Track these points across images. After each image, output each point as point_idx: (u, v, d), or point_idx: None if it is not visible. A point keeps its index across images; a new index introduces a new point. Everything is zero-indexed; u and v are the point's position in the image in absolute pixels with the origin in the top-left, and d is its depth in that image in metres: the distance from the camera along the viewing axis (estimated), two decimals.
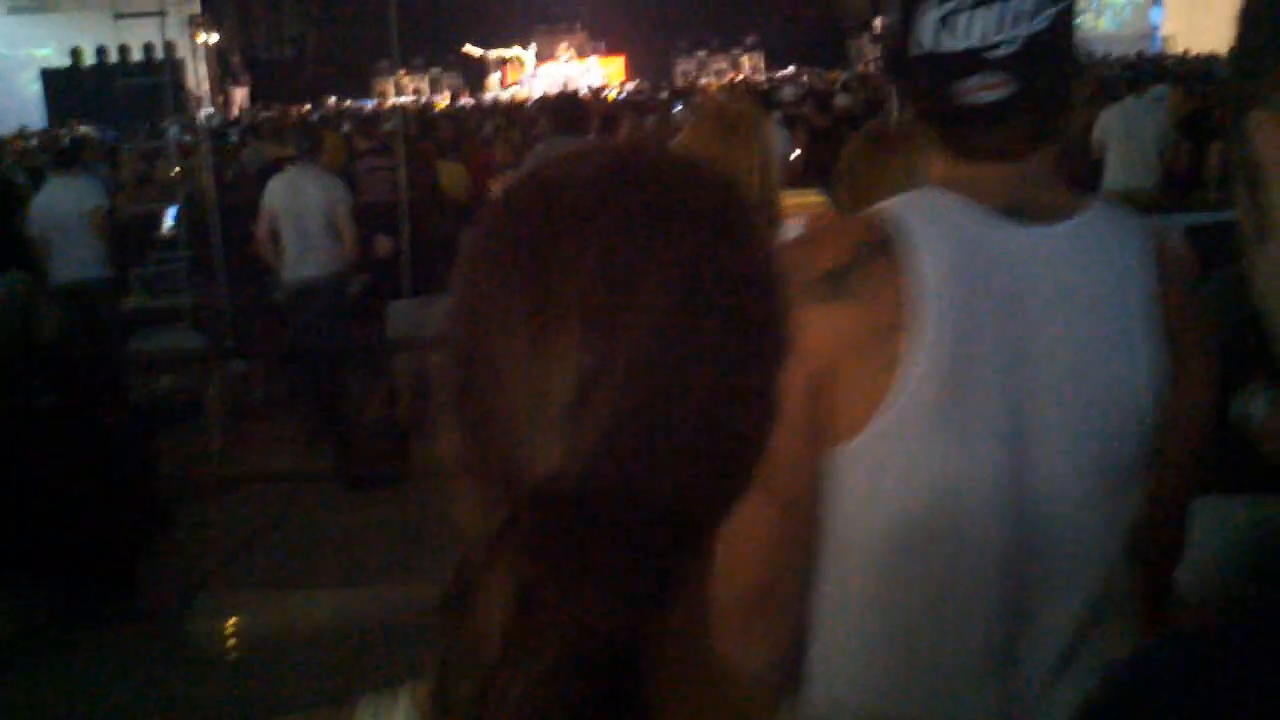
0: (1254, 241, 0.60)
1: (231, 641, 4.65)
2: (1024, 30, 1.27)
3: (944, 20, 1.29)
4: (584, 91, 19.14)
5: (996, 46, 1.27)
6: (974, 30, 1.28)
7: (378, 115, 13.88)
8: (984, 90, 1.29)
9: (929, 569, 1.35)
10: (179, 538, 5.57)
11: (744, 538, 1.26)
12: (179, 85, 17.00)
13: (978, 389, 1.29)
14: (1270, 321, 0.61)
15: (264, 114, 19.04)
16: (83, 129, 15.83)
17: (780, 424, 0.74)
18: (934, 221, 1.32)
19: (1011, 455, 1.31)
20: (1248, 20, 0.60)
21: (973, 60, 1.29)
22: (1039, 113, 1.32)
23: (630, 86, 21.37)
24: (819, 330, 1.27)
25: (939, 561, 1.35)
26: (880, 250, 1.31)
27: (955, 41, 1.29)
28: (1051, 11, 1.28)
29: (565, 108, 6.31)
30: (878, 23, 21.97)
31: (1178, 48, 20.09)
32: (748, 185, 2.48)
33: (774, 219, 2.55)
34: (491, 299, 0.71)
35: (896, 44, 1.37)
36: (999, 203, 1.33)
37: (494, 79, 23.51)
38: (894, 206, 1.35)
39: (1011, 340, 1.30)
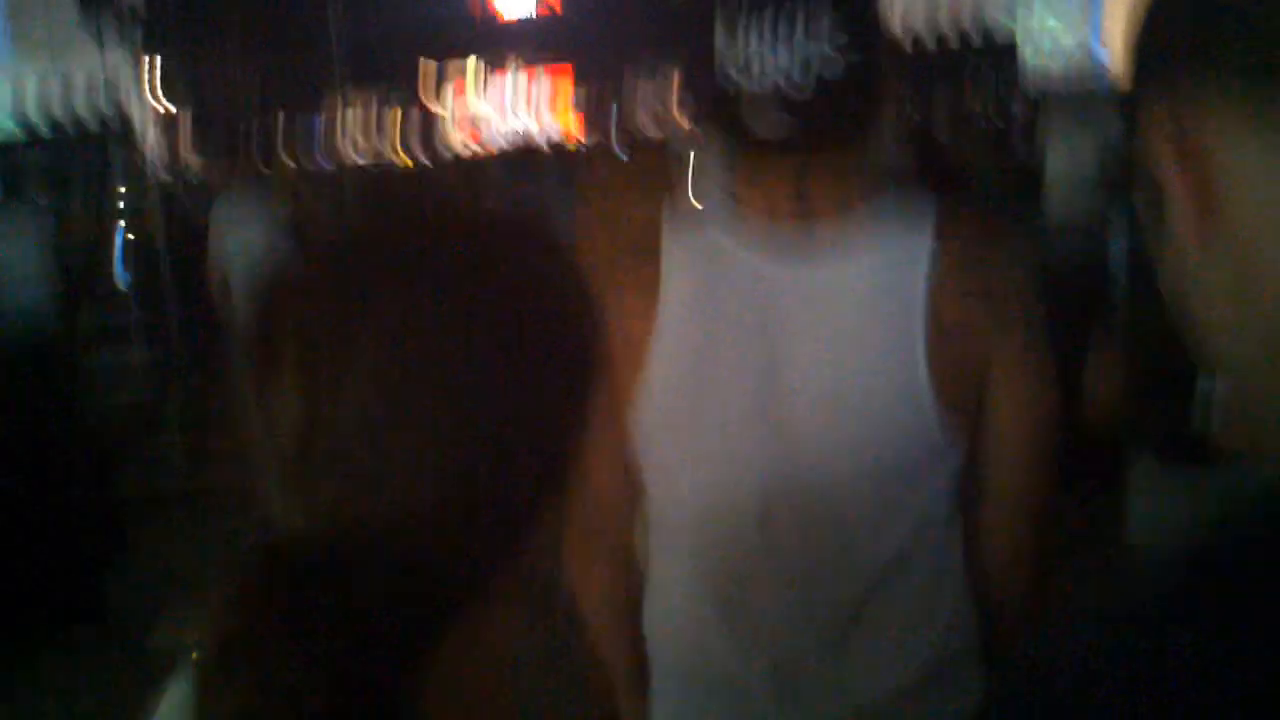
0: (1153, 236, 0.63)
1: (196, 654, 4.56)
2: (813, 73, 1.30)
3: (742, 58, 1.32)
4: (542, 141, 19.03)
5: (786, 87, 1.30)
6: (766, 70, 1.31)
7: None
8: (771, 128, 1.32)
9: (701, 540, 1.45)
10: (143, 554, 5.54)
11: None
12: (133, 150, 16.91)
13: (721, 396, 1.39)
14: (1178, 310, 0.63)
15: (213, 166, 18.89)
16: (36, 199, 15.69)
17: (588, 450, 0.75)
18: (688, 246, 1.42)
19: (764, 462, 1.39)
20: (1143, 23, 0.61)
21: (764, 99, 1.32)
22: (830, 135, 1.35)
23: (588, 141, 21.22)
24: None
25: (709, 535, 1.44)
26: (651, 252, 1.42)
27: (751, 81, 1.32)
28: (841, 44, 1.30)
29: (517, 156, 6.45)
30: None
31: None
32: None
33: None
34: (248, 354, 0.72)
35: (698, 72, 1.39)
36: (768, 222, 1.39)
37: (447, 91, 23.39)
38: (680, 218, 1.46)
39: (756, 356, 1.39)
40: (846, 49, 1.30)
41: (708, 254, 1.41)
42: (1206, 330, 0.60)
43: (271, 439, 0.68)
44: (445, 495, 0.68)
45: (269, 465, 0.68)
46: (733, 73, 1.33)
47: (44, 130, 19.89)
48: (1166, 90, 0.58)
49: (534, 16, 23.37)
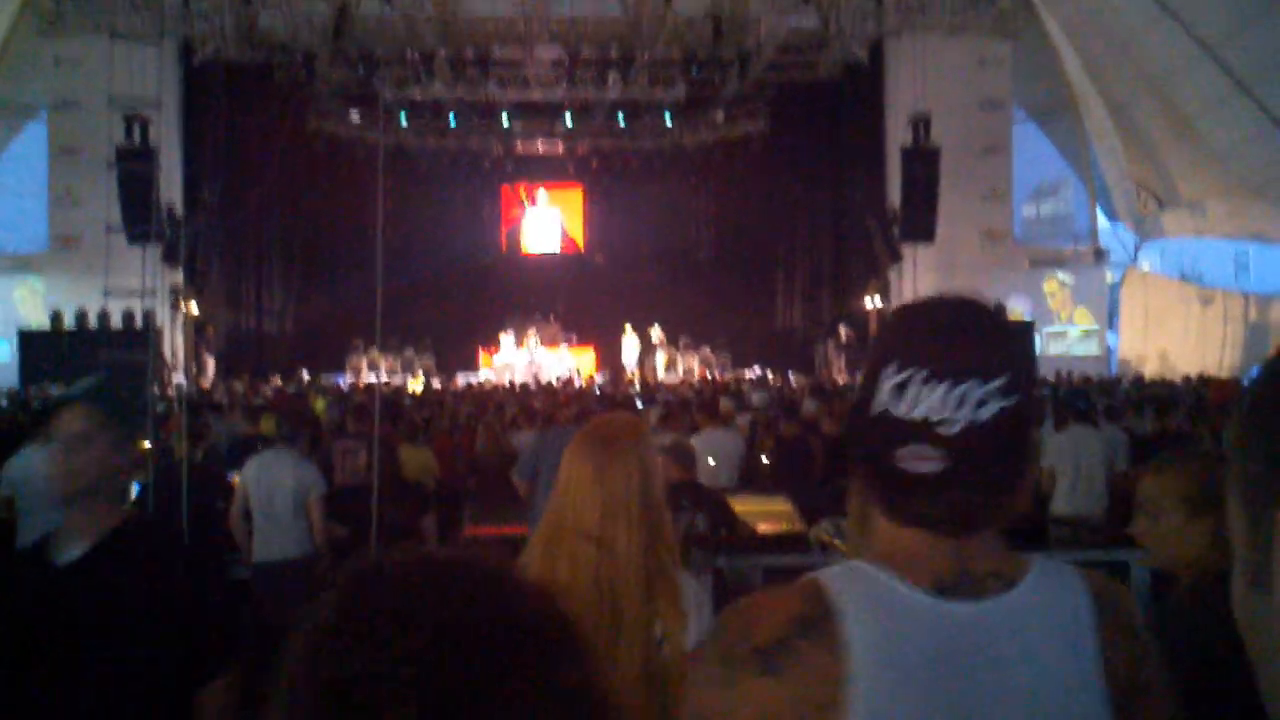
0: (1248, 591, 0.67)
1: None
2: (966, 415, 1.33)
3: (898, 388, 1.36)
4: (550, 380, 19.58)
5: (940, 423, 1.33)
6: (921, 403, 1.34)
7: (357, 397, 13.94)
8: (918, 460, 1.34)
9: None
10: None
11: None
12: (157, 356, 17.08)
13: None
14: (1259, 666, 0.68)
15: (236, 384, 19.21)
16: (53, 391, 15.75)
17: None
18: (865, 600, 1.35)
19: None
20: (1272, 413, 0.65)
21: (916, 431, 1.34)
22: (974, 493, 1.35)
23: (600, 378, 21.90)
24: (751, 704, 1.30)
25: None
26: (812, 627, 1.33)
27: (903, 410, 1.35)
28: (999, 405, 1.33)
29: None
30: (843, 331, 22.64)
31: (1132, 371, 20.73)
32: (625, 503, 2.45)
33: (660, 539, 2.47)
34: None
35: (860, 401, 1.42)
36: (933, 578, 1.36)
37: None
38: (828, 582, 1.37)
39: (947, 718, 1.31)
40: (999, 392, 1.33)
41: (882, 605, 1.35)
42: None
43: None
44: None
45: None
46: (894, 402, 1.35)
47: (77, 332, 20.04)
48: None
49: None
